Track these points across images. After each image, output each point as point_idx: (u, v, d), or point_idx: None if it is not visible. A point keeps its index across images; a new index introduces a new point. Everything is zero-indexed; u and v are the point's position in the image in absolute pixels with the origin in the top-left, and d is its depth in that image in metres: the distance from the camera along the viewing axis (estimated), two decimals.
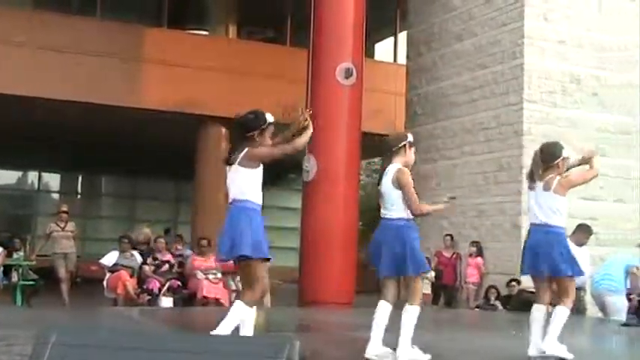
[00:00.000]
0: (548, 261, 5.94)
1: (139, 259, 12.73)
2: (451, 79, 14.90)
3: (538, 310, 6.06)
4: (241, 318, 5.23)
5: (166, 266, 12.72)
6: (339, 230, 12.79)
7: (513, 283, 12.15)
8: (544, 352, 5.80)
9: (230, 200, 5.48)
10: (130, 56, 19.18)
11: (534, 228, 6.16)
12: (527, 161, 13.38)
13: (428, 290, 14.32)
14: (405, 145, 5.97)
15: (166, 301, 12.14)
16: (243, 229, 5.32)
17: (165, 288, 12.33)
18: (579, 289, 9.96)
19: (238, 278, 12.56)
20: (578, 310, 10.06)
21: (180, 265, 12.94)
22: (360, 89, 13.27)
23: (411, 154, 6.00)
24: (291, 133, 5.41)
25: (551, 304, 6.15)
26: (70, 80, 18.04)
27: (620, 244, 12.63)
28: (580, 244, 9.64)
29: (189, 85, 19.37)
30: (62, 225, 13.74)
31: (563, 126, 13.47)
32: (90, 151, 23.82)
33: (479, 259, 13.30)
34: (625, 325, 9.01)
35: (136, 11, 21.53)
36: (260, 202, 5.34)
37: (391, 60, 23.49)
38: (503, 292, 12.45)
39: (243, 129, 5.49)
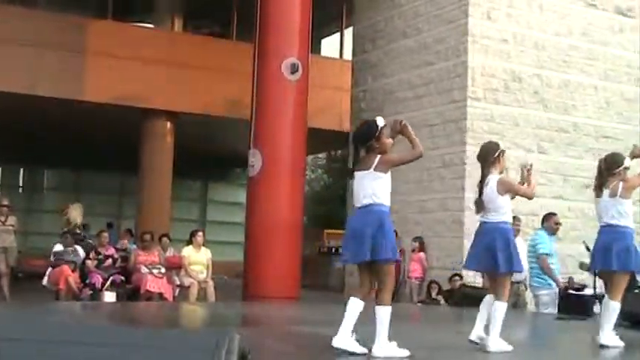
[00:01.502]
0: (620, 257, 6.48)
1: (81, 253, 12.62)
2: (396, 75, 15.02)
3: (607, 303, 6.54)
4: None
5: (109, 261, 12.62)
6: (284, 225, 12.82)
7: (456, 277, 12.30)
8: None
9: (360, 205, 5.67)
10: (74, 48, 18.93)
11: (603, 229, 6.74)
12: (470, 158, 13.62)
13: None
14: (498, 155, 6.42)
15: (109, 296, 12.05)
16: (387, 232, 5.57)
17: (108, 283, 12.23)
18: (519, 283, 10.14)
19: (182, 273, 12.56)
20: (516, 304, 10.24)
21: (124, 259, 12.85)
22: (305, 84, 13.30)
23: (504, 162, 6.52)
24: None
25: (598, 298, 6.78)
26: (10, 71, 17.74)
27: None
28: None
29: (134, 79, 19.22)
30: (2, 219, 13.52)
31: (506, 123, 13.69)
32: (32, 144, 23.48)
33: (422, 254, 13.44)
34: (559, 318, 9.21)
35: (80, 3, 21.26)
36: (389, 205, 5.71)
37: (337, 56, 23.60)
38: (446, 287, 12.60)
39: (361, 140, 5.80)
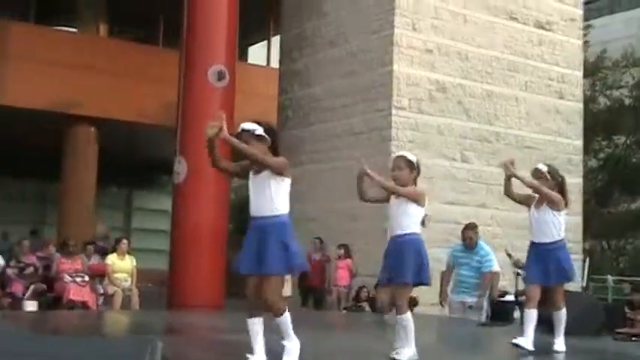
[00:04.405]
0: None
1: (1, 262, 12.34)
2: (323, 84, 15.12)
3: None
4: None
5: (31, 269, 12.38)
6: (209, 233, 12.76)
7: None
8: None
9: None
10: None
11: None
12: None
13: (289, 293, 14.47)
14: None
15: (31, 305, 11.81)
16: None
17: (29, 292, 11.99)
18: None
19: (106, 281, 12.39)
20: None
21: (46, 268, 12.62)
22: (232, 92, 13.28)
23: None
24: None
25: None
26: None
27: None
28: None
29: (57, 84, 18.89)
30: None
31: (430, 132, 13.90)
32: None
33: (348, 260, 13.50)
34: (482, 324, 9.35)
35: (1, 4, 20.81)
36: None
37: (264, 63, 23.60)
38: (373, 293, 12.69)
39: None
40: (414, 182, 6.31)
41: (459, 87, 14.33)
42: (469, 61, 14.50)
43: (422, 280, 6.12)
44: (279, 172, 5.26)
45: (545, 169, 6.87)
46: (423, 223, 6.39)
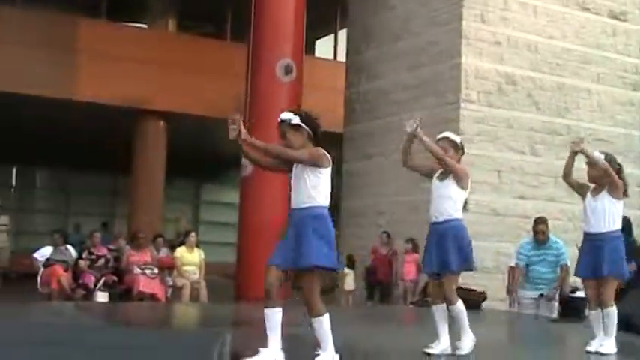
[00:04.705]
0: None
1: (73, 253, 12.61)
2: (390, 77, 15.03)
3: None
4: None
5: (102, 261, 12.61)
6: (277, 225, 12.78)
7: None
8: None
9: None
10: (68, 48, 18.91)
11: None
12: (462, 160, 13.57)
13: (352, 286, 14.46)
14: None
15: (102, 296, 12.03)
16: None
17: (100, 283, 12.22)
18: None
19: (175, 274, 12.55)
20: None
21: (117, 259, 12.84)
22: (299, 85, 13.31)
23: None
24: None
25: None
26: (1, 70, 17.68)
27: None
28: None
29: (128, 79, 19.20)
30: None
31: (499, 126, 13.71)
32: (24, 144, 23.42)
33: (416, 255, 13.41)
34: (553, 320, 9.22)
35: (73, 2, 21.22)
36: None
37: (331, 57, 23.60)
38: None
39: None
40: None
41: (529, 79, 14.09)
42: (539, 52, 14.25)
43: (468, 266, 6.01)
44: (311, 163, 5.09)
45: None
46: (464, 205, 6.17)
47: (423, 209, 13.57)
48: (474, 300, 11.60)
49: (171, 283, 12.58)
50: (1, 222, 13.63)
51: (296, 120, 5.16)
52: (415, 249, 13.44)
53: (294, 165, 5.18)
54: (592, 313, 6.47)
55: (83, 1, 21.82)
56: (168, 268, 12.81)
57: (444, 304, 5.93)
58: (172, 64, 19.79)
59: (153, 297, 11.86)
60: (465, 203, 6.22)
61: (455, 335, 5.93)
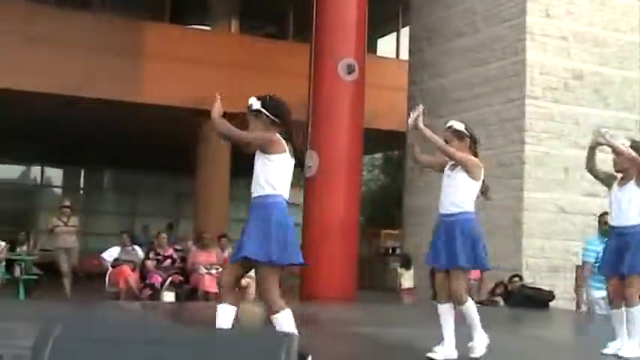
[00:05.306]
0: None
1: (140, 253, 12.79)
2: (453, 74, 14.91)
3: None
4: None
5: (168, 261, 12.77)
6: (341, 225, 12.81)
7: (515, 278, 12.15)
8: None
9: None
10: (132, 52, 19.18)
11: None
12: (528, 157, 13.47)
13: (410, 285, 14.42)
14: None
15: (168, 296, 12.18)
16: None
17: (167, 283, 12.37)
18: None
19: None
20: None
21: (182, 260, 12.98)
22: (362, 85, 13.27)
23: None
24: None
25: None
26: (68, 74, 17.99)
27: None
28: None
29: (191, 81, 19.37)
30: (65, 220, 13.77)
31: (565, 122, 13.50)
32: (92, 146, 23.87)
33: None
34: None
35: (137, 6, 21.54)
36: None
37: (394, 56, 23.50)
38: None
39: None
40: (471, 153, 5.93)
41: (596, 74, 13.83)
42: (606, 47, 13.98)
43: (481, 266, 5.88)
44: (260, 148, 4.90)
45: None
46: (485, 194, 5.93)
47: (485, 209, 13.49)
48: (541, 299, 11.47)
49: None
50: (72, 223, 13.85)
51: (257, 105, 5.00)
52: None
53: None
54: (614, 312, 6.16)
55: (147, 6, 22.14)
56: None
57: (451, 302, 5.73)
58: (235, 65, 19.94)
59: (218, 296, 11.94)
60: (485, 192, 5.98)
61: (459, 337, 5.78)
